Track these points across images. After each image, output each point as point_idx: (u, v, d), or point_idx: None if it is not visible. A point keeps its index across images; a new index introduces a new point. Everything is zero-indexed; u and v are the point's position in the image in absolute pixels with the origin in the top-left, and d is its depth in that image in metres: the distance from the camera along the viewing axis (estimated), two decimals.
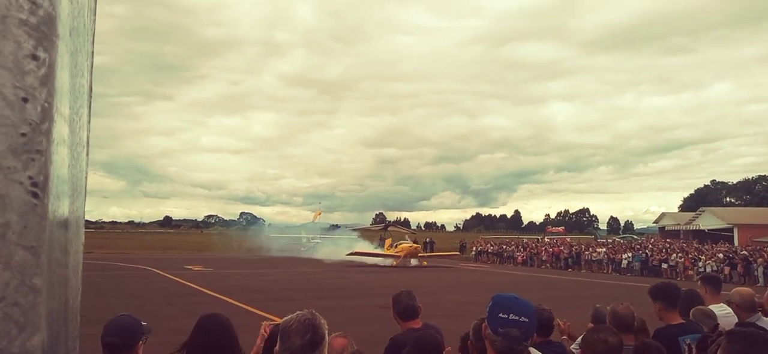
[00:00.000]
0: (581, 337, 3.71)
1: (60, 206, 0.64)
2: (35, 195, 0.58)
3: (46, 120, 0.59)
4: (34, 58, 0.58)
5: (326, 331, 2.57)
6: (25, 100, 0.58)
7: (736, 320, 4.76)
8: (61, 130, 0.62)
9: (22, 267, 0.56)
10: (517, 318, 2.45)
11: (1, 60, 0.56)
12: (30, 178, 0.58)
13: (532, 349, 3.98)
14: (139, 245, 63.17)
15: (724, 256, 36.59)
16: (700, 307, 4.89)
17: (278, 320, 3.69)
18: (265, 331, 3.92)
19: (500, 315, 2.47)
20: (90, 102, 0.81)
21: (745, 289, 5.39)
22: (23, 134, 0.57)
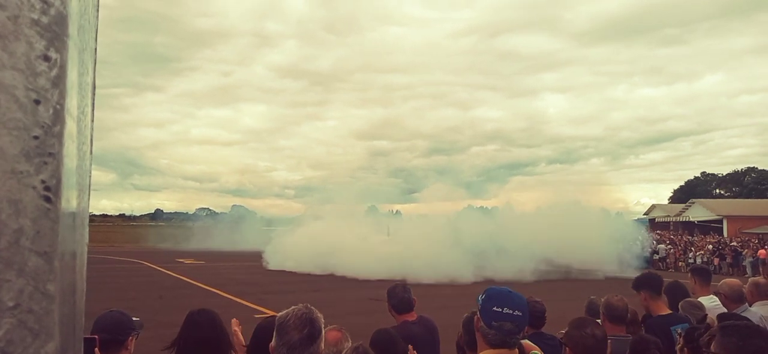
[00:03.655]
0: (564, 331, 3.64)
1: (69, 208, 0.63)
2: (48, 199, 0.57)
3: (57, 122, 0.58)
4: (46, 58, 0.57)
5: (323, 325, 2.58)
6: (37, 102, 0.57)
7: (725, 311, 4.81)
8: (70, 130, 0.61)
9: (36, 273, 0.55)
10: (510, 312, 2.46)
11: (13, 61, 0.55)
12: (43, 182, 0.57)
13: (527, 341, 4.00)
14: (130, 238, 62.87)
15: (714, 247, 36.95)
16: (689, 299, 4.93)
17: (272, 313, 3.68)
18: (238, 328, 3.98)
19: (494, 308, 2.47)
20: (93, 99, 0.80)
21: (734, 281, 5.43)
22: (36, 137, 0.57)
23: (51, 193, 0.57)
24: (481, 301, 2.57)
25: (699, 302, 4.84)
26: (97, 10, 0.79)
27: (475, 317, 2.62)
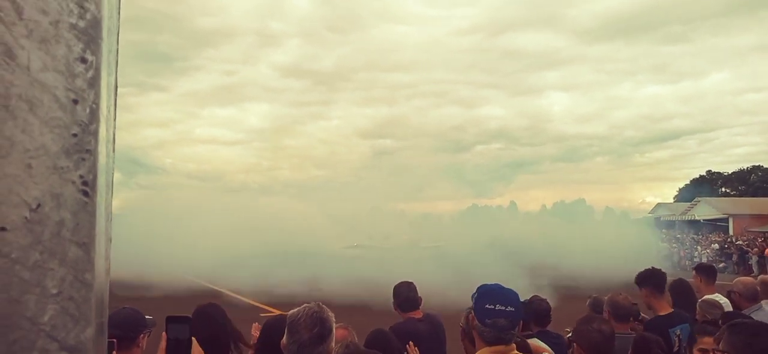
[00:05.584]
0: (572, 329, 3.69)
1: (102, 203, 0.67)
2: (86, 193, 0.61)
3: (93, 121, 0.63)
4: (83, 61, 0.62)
5: (333, 324, 2.60)
6: (75, 101, 0.61)
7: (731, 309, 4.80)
8: (103, 129, 0.65)
9: (75, 263, 0.60)
10: (503, 307, 2.46)
11: (54, 64, 0.60)
12: (81, 177, 0.61)
13: (535, 341, 4.02)
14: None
15: (719, 246, 36.79)
16: (707, 298, 4.91)
17: (278, 312, 3.71)
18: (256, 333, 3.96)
19: (487, 306, 2.47)
20: (116, 99, 0.83)
21: (748, 279, 5.40)
22: (74, 135, 0.61)
23: (88, 187, 0.62)
24: (473, 300, 2.57)
25: (717, 301, 4.81)
26: (119, 13, 0.82)
27: (470, 316, 2.63)
